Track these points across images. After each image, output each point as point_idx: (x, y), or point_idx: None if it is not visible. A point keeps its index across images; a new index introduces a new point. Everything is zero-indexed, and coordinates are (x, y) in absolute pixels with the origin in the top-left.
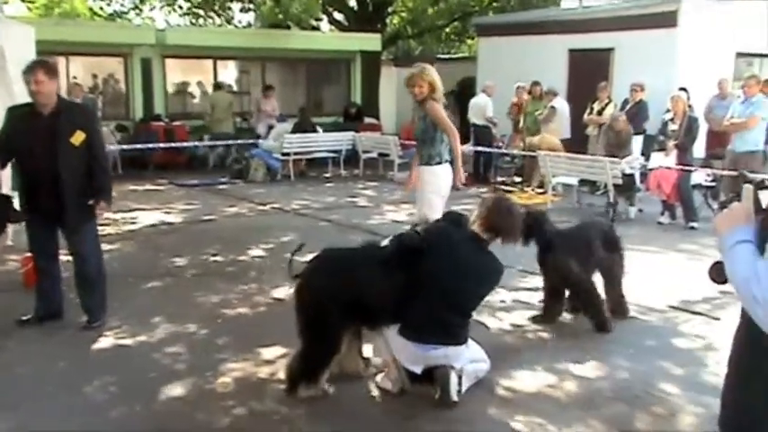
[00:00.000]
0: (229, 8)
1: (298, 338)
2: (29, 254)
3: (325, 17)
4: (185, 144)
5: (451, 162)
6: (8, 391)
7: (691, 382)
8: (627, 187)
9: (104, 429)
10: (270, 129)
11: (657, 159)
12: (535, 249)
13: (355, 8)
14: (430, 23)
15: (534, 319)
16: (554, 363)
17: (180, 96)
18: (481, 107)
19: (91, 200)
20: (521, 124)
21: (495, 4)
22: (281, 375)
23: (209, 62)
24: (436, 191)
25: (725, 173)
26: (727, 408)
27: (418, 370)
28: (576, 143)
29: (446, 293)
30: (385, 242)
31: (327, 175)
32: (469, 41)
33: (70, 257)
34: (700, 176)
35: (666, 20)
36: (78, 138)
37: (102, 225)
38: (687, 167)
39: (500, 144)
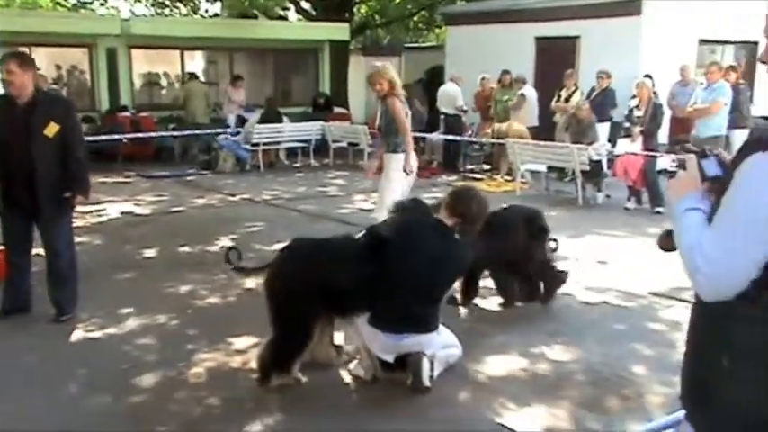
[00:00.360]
0: None
1: (269, 328)
2: (1, 247)
3: (292, 6)
4: (152, 134)
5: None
6: None
7: (661, 364)
8: (594, 173)
9: (76, 422)
10: (240, 119)
11: (624, 146)
12: None
13: None
14: (398, 13)
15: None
16: (526, 347)
17: (147, 87)
18: (451, 96)
19: (67, 193)
20: (491, 111)
21: None
22: (253, 365)
23: (176, 53)
24: (400, 176)
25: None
26: (685, 382)
27: (390, 359)
28: (544, 131)
29: (414, 282)
30: (358, 235)
31: (297, 165)
32: (437, 30)
33: (42, 251)
34: (665, 162)
35: (631, 8)
36: (52, 130)
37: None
38: (653, 153)
39: (470, 132)
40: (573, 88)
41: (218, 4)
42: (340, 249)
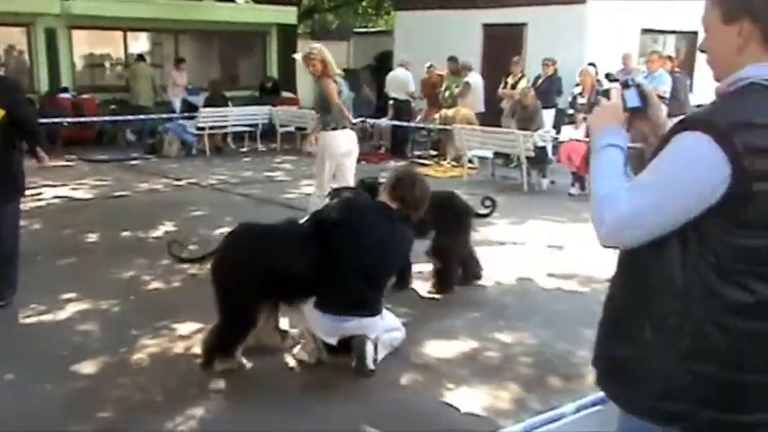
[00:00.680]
0: None
1: (213, 313)
2: None
3: None
4: (96, 118)
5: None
6: None
7: None
8: (539, 159)
9: (11, 410)
10: (185, 103)
11: (568, 132)
12: None
13: None
14: None
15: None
16: (472, 331)
17: (89, 69)
18: (403, 82)
19: (13, 181)
20: (440, 98)
21: None
22: (197, 350)
23: (119, 34)
24: (331, 153)
25: (631, 145)
26: (605, 359)
27: (334, 341)
28: (491, 116)
29: (358, 265)
30: (303, 220)
31: (244, 149)
32: (387, 16)
33: None
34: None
35: None
36: None
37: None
38: None
39: (418, 118)
40: (519, 75)
41: None
42: (285, 235)
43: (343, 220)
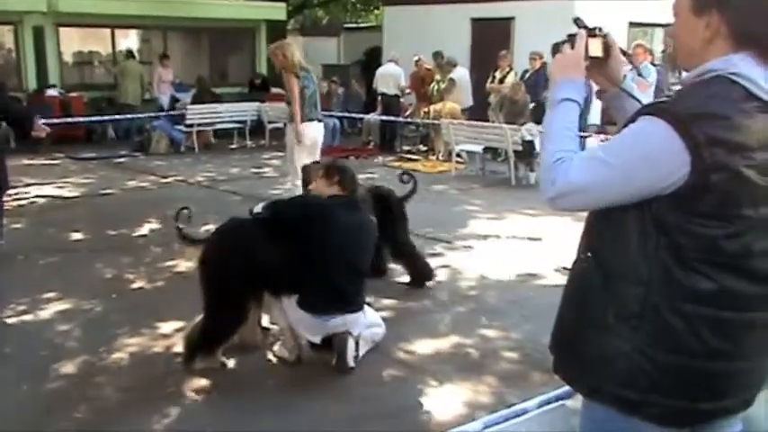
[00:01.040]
0: None
1: (197, 312)
2: None
3: None
4: (81, 119)
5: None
6: None
7: None
8: (526, 154)
9: None
10: (173, 99)
11: None
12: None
13: None
14: None
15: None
16: (453, 326)
17: (77, 67)
18: (394, 77)
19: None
20: (429, 93)
21: None
22: (178, 349)
23: (107, 31)
24: (295, 142)
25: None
26: (557, 333)
27: (317, 340)
28: (479, 111)
29: (338, 261)
30: (258, 208)
31: (233, 146)
32: (376, 11)
33: None
34: (595, 142)
35: None
36: None
37: None
38: (583, 134)
39: (408, 113)
40: (507, 69)
41: None
42: (273, 227)
43: (312, 217)
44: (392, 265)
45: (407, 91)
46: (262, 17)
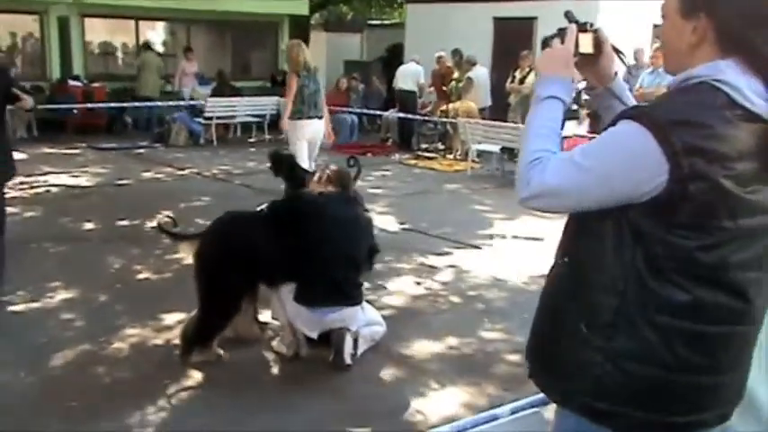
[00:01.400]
0: None
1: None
2: None
3: None
4: (101, 105)
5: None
6: None
7: None
8: None
9: None
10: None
11: (571, 128)
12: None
13: None
14: None
15: None
16: (454, 327)
17: (100, 57)
18: (415, 74)
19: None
20: (448, 91)
21: None
22: (178, 341)
23: (132, 23)
24: (295, 138)
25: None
26: (532, 339)
27: (315, 335)
28: (499, 111)
29: (337, 255)
30: (259, 208)
31: (252, 139)
32: (400, 8)
33: None
34: None
35: None
36: None
37: (8, 188)
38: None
39: (427, 110)
40: (527, 69)
41: None
42: (267, 219)
43: (309, 214)
44: (397, 264)
45: (429, 90)
46: (285, 12)
